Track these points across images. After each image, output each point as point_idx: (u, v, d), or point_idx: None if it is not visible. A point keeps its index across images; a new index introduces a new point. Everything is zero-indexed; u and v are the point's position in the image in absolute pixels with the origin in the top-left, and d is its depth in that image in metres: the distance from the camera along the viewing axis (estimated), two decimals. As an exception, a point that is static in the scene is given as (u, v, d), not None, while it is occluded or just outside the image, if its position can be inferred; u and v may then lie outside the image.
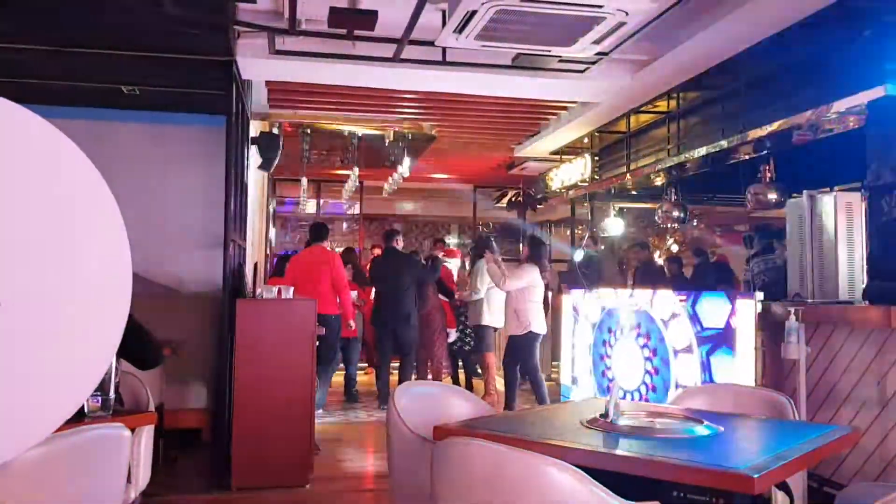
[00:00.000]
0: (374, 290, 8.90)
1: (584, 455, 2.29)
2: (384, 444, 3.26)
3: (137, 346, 3.45)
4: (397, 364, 8.50)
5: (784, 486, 2.56)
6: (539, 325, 7.25)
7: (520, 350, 7.29)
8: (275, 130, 8.61)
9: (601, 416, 2.71)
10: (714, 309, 4.91)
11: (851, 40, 4.88)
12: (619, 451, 2.32)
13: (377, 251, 11.89)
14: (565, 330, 7.19)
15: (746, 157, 6.63)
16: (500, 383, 8.73)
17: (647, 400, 5.53)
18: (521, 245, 14.12)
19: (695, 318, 5.08)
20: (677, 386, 5.17)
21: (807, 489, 4.06)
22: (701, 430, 2.58)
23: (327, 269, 7.52)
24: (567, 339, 7.12)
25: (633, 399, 5.67)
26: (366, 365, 11.45)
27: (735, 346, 4.69)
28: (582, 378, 6.71)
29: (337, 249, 10.34)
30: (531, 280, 7.21)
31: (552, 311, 8.56)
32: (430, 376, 8.68)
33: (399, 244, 8.64)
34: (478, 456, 2.10)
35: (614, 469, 2.23)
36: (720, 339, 4.81)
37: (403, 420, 3.07)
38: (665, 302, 5.45)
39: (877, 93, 4.56)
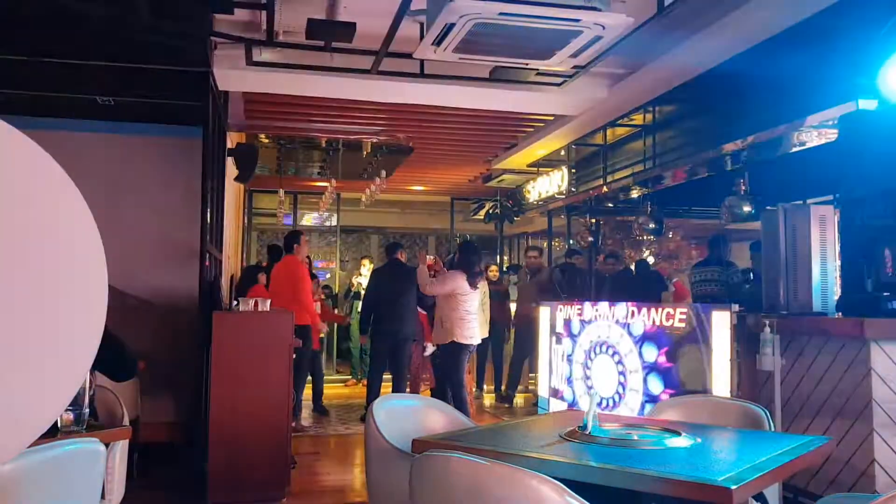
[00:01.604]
0: (366, 301, 8.70)
1: (562, 467, 2.29)
2: (362, 457, 3.25)
3: (112, 357, 3.41)
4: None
5: (760, 498, 2.58)
6: (463, 335, 6.77)
7: (444, 360, 6.99)
8: (252, 142, 8.57)
9: (579, 428, 2.72)
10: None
11: (824, 55, 4.96)
12: (597, 463, 2.32)
13: (365, 262, 11.88)
14: (542, 342, 7.19)
15: (721, 169, 6.70)
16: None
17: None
18: (498, 256, 14.16)
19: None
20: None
21: (782, 500, 4.09)
22: (678, 441, 2.60)
23: (291, 280, 7.39)
24: (544, 351, 7.13)
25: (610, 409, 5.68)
26: (349, 378, 11.41)
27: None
28: (559, 390, 6.72)
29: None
30: (456, 287, 6.76)
31: (530, 322, 8.52)
32: (407, 389, 8.61)
33: (403, 257, 8.28)
34: (457, 469, 2.09)
35: (593, 481, 2.23)
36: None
37: (382, 433, 3.06)
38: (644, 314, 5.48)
39: (848, 107, 4.63)
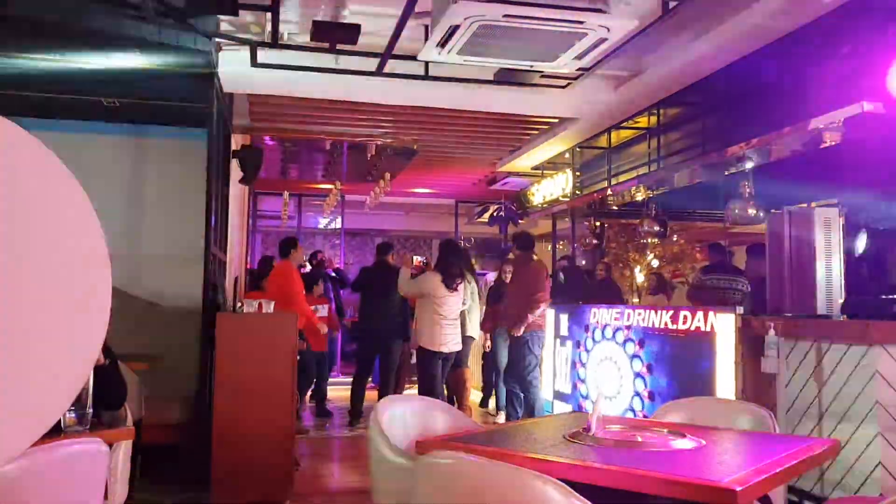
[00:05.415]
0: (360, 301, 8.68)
1: (567, 468, 2.28)
2: (365, 459, 3.24)
3: (105, 378, 3.40)
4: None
5: (766, 500, 2.57)
6: (432, 341, 6.31)
7: (417, 367, 6.69)
8: (256, 144, 8.58)
9: (584, 429, 2.71)
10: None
11: (829, 58, 4.95)
12: (602, 465, 2.31)
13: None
14: (546, 345, 7.19)
15: (726, 173, 6.69)
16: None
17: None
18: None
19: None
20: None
21: (787, 503, 4.08)
22: (683, 443, 2.59)
23: (281, 285, 7.28)
24: (548, 353, 7.12)
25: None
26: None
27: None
28: (563, 392, 6.71)
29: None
30: (430, 289, 6.35)
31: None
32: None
33: (392, 260, 8.11)
34: (461, 470, 2.09)
35: (597, 482, 2.22)
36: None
37: (386, 435, 3.05)
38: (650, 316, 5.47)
39: (854, 110, 4.62)
